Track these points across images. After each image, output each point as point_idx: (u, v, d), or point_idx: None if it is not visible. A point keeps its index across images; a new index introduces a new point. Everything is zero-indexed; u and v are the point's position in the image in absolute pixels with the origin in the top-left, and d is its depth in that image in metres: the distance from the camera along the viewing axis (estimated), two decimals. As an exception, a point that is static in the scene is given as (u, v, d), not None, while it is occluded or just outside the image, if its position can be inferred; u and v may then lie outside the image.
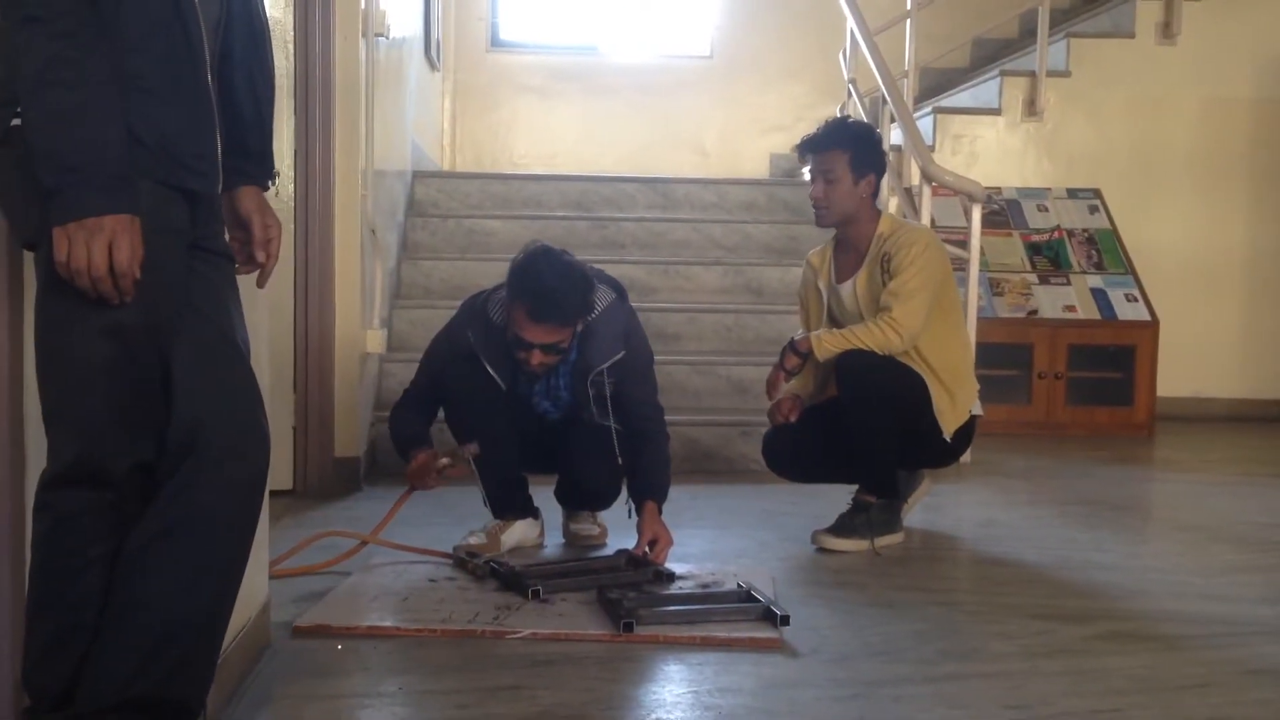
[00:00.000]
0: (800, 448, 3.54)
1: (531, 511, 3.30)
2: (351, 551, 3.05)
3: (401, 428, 3.24)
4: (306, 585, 2.82)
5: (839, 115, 3.63)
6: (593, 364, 3.10)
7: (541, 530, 3.34)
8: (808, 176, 3.67)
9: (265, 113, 1.86)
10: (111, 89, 1.51)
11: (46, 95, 1.47)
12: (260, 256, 1.86)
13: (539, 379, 3.18)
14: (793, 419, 3.50)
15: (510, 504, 3.26)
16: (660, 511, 3.07)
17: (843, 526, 3.35)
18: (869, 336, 3.30)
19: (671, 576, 2.84)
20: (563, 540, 3.37)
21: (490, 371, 3.09)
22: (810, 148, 3.46)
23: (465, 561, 2.95)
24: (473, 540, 3.13)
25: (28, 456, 1.65)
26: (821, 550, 3.31)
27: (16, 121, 1.52)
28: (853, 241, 3.47)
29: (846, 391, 3.34)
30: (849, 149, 3.39)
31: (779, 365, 3.48)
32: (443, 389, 3.21)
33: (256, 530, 1.77)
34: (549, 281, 2.93)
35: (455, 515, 3.50)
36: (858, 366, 3.29)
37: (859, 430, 3.33)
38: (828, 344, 3.35)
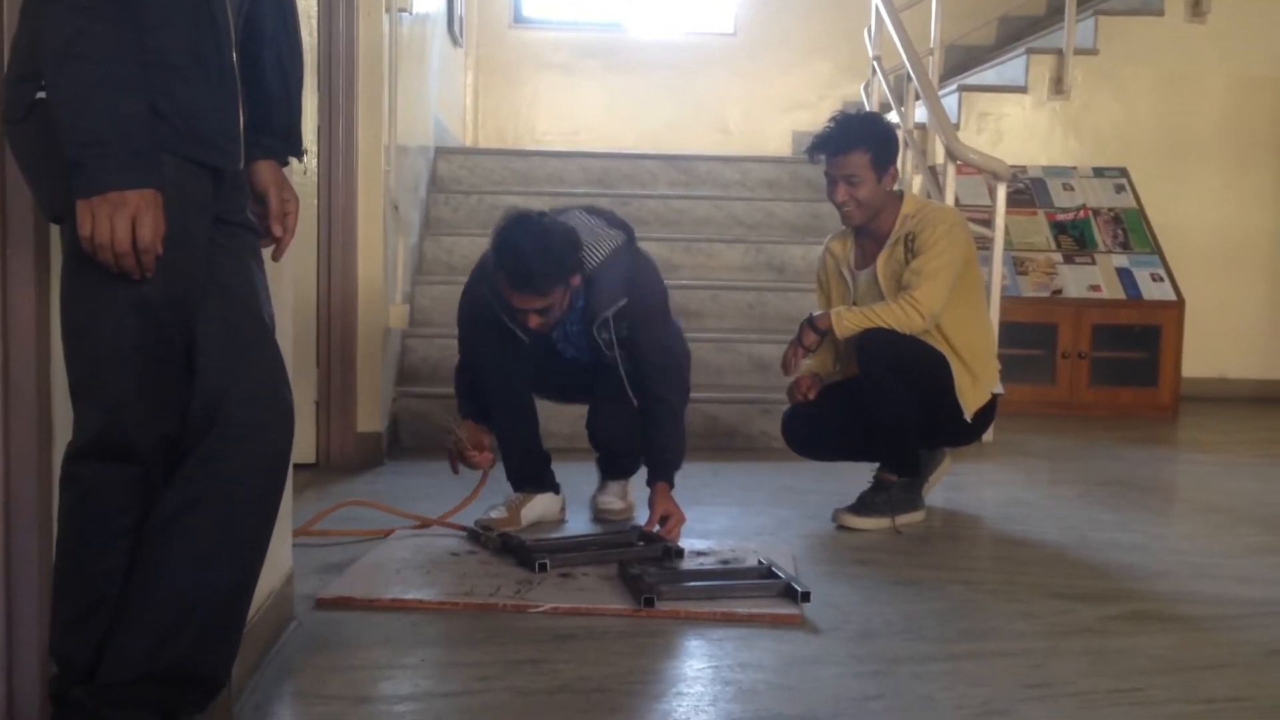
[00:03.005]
0: (820, 426, 3.53)
1: (552, 486, 3.31)
2: (416, 526, 3.11)
3: (458, 393, 3.32)
4: (329, 556, 2.85)
5: (842, 111, 3.54)
6: (596, 311, 3.08)
7: (563, 506, 3.35)
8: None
9: (294, 89, 1.85)
10: (135, 64, 1.50)
11: (70, 69, 1.47)
12: (277, 230, 1.86)
13: (553, 329, 3.17)
14: (811, 397, 3.50)
15: (529, 477, 3.27)
16: (672, 487, 3.07)
17: (864, 504, 3.35)
18: (890, 315, 3.28)
19: (680, 553, 2.84)
20: (589, 515, 3.38)
21: (509, 324, 3.08)
22: (827, 149, 3.37)
23: (479, 535, 2.97)
24: (494, 515, 3.15)
25: (55, 429, 1.67)
26: (842, 528, 3.31)
27: (41, 95, 1.51)
28: (875, 230, 3.44)
29: (868, 369, 3.33)
30: (869, 149, 3.32)
31: (797, 341, 3.45)
32: (465, 353, 3.22)
33: (280, 503, 1.78)
34: (522, 253, 2.90)
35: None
36: (879, 344, 3.28)
37: (880, 408, 3.32)
38: (848, 321, 3.34)
